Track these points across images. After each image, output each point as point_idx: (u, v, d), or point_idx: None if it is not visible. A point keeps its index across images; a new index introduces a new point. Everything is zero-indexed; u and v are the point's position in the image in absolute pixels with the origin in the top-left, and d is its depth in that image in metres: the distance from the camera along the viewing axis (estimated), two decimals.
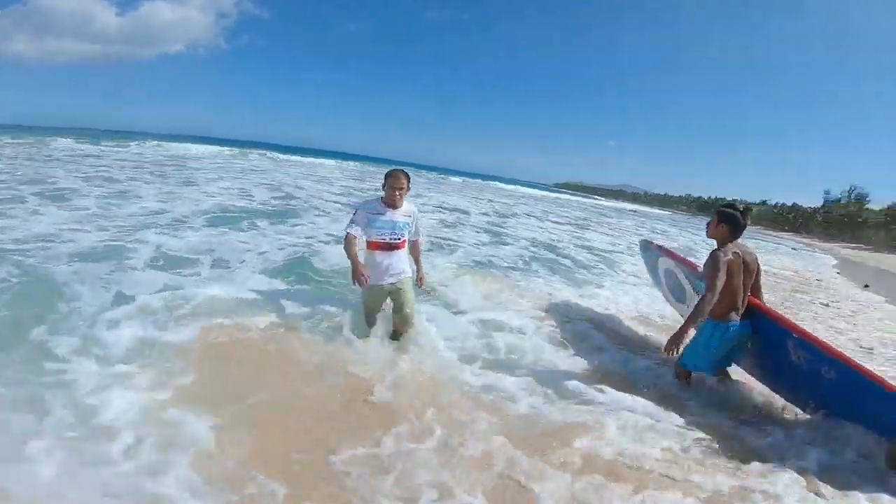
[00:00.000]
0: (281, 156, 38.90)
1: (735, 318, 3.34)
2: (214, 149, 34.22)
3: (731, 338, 3.36)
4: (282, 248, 6.14)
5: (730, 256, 3.25)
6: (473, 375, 3.49)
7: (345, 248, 3.52)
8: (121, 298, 3.81)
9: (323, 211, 10.56)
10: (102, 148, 24.99)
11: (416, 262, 3.91)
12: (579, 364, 3.95)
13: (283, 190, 13.59)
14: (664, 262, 4.77)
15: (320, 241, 6.94)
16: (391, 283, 3.59)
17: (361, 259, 3.57)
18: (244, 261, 5.39)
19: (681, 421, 3.12)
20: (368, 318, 3.79)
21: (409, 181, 3.56)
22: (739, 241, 3.40)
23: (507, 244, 9.92)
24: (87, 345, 3.07)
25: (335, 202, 12.78)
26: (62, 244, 5.12)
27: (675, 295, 4.67)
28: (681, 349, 3.36)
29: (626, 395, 3.38)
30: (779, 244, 33.30)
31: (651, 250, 5.22)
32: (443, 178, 49.50)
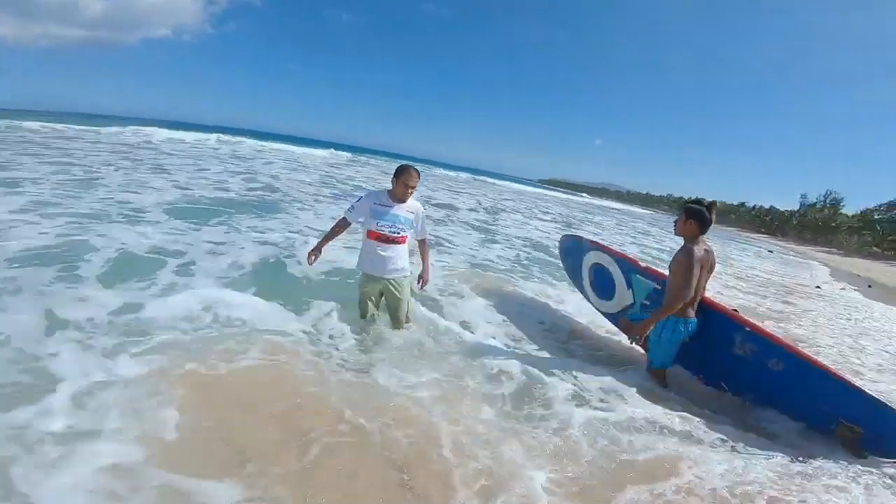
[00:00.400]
0: (267, 144, 37.33)
1: (692, 314, 3.40)
2: (198, 135, 32.60)
3: (689, 334, 3.42)
4: (258, 248, 5.55)
5: (702, 254, 3.31)
6: (523, 411, 3.01)
7: (333, 225, 3.69)
8: (65, 318, 3.18)
9: (305, 203, 9.98)
10: (79, 132, 23.68)
11: (424, 261, 3.84)
12: (625, 386, 3.50)
13: (261, 180, 12.89)
14: (594, 257, 4.63)
15: (304, 238, 6.37)
16: (387, 279, 3.60)
17: (359, 248, 3.68)
18: (216, 265, 4.78)
19: (755, 442, 3.01)
20: (362, 309, 3.77)
21: (419, 177, 3.57)
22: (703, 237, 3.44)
23: (498, 243, 9.60)
24: (23, 388, 2.41)
25: (317, 193, 12.17)
26: (3, 240, 4.48)
27: (601, 292, 4.54)
28: (642, 339, 3.50)
29: (690, 417, 3.15)
30: (759, 247, 33.79)
31: (579, 245, 5.07)
32: (427, 169, 48.81)
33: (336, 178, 18.83)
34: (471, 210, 15.81)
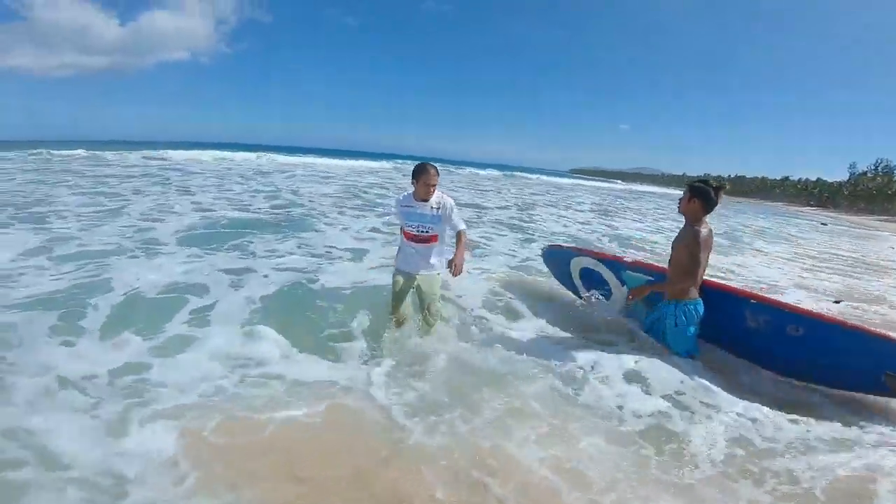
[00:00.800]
0: (292, 158, 36.88)
1: (696, 294, 3.33)
2: (226, 154, 32.49)
3: (700, 315, 3.34)
4: (280, 276, 5.01)
5: (706, 235, 3.26)
6: (663, 455, 2.42)
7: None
8: (66, 377, 2.74)
9: (331, 218, 9.54)
10: (110, 159, 24.40)
11: (457, 247, 3.65)
12: (754, 395, 3.04)
13: (284, 196, 12.57)
14: (580, 262, 4.55)
15: (330, 261, 5.84)
16: (416, 274, 3.64)
17: (397, 244, 3.82)
18: (235, 300, 4.22)
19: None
20: (395, 302, 3.71)
21: (438, 174, 3.53)
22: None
23: (536, 241, 8.84)
24: (24, 472, 1.97)
25: (340, 206, 11.77)
26: (10, 284, 4.18)
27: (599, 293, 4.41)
28: (633, 300, 3.59)
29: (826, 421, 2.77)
30: (811, 220, 31.73)
31: (562, 252, 5.00)
32: (454, 170, 48.12)
33: (355, 185, 18.48)
34: (502, 208, 15.12)
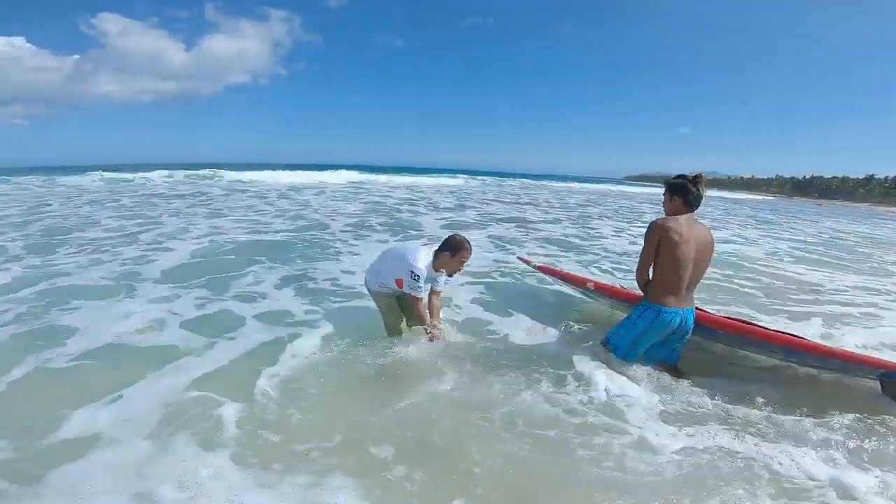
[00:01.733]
0: (359, 175, 35.94)
1: (672, 303, 2.91)
2: (286, 173, 32.05)
3: (661, 325, 2.93)
4: (257, 325, 3.94)
5: (671, 224, 2.83)
6: None
7: (422, 312, 3.37)
8: None
9: (350, 244, 8.49)
10: (171, 180, 25.55)
11: (434, 313, 3.53)
12: None
13: (307, 217, 11.69)
14: (552, 280, 4.56)
15: (329, 301, 4.64)
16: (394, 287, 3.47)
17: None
18: (178, 375, 3.02)
19: None
20: (390, 322, 3.57)
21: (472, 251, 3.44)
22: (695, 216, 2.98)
23: (599, 263, 7.26)
24: None
25: (362, 226, 10.75)
26: None
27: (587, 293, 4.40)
28: None
29: None
30: None
31: (528, 266, 5.05)
32: (501, 182, 46.63)
33: (379, 203, 17.55)
34: (553, 222, 13.57)
